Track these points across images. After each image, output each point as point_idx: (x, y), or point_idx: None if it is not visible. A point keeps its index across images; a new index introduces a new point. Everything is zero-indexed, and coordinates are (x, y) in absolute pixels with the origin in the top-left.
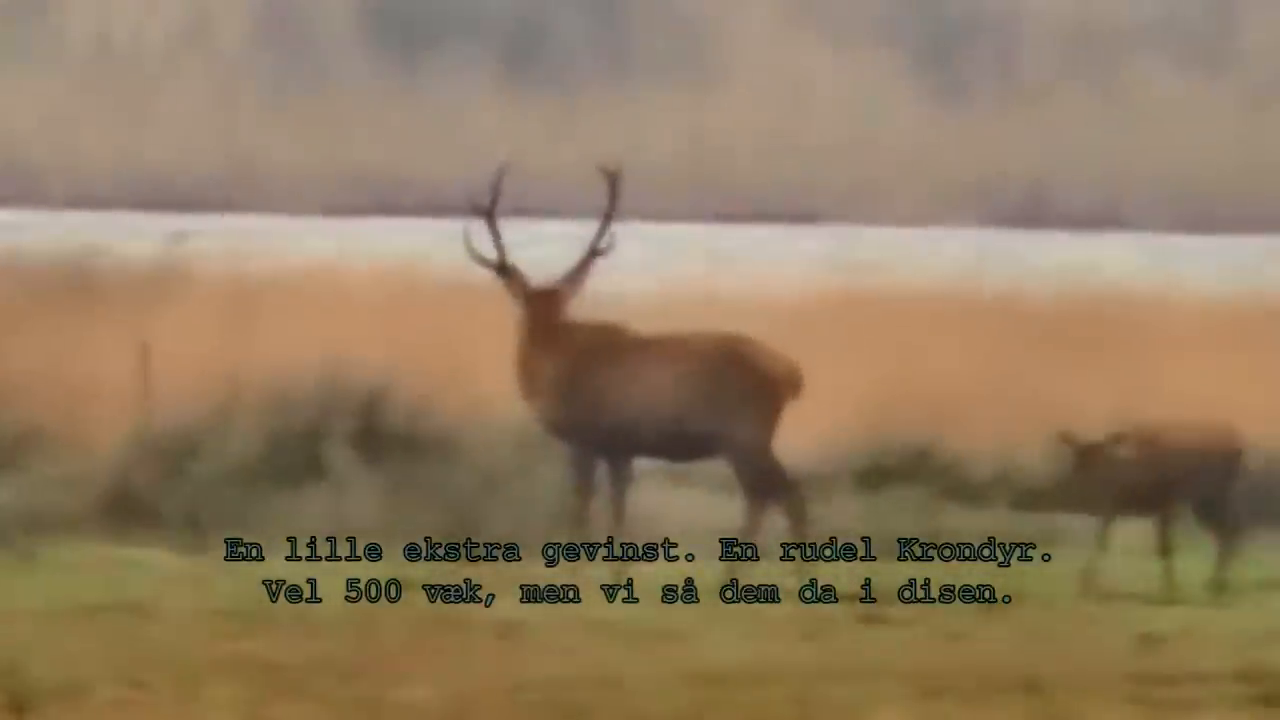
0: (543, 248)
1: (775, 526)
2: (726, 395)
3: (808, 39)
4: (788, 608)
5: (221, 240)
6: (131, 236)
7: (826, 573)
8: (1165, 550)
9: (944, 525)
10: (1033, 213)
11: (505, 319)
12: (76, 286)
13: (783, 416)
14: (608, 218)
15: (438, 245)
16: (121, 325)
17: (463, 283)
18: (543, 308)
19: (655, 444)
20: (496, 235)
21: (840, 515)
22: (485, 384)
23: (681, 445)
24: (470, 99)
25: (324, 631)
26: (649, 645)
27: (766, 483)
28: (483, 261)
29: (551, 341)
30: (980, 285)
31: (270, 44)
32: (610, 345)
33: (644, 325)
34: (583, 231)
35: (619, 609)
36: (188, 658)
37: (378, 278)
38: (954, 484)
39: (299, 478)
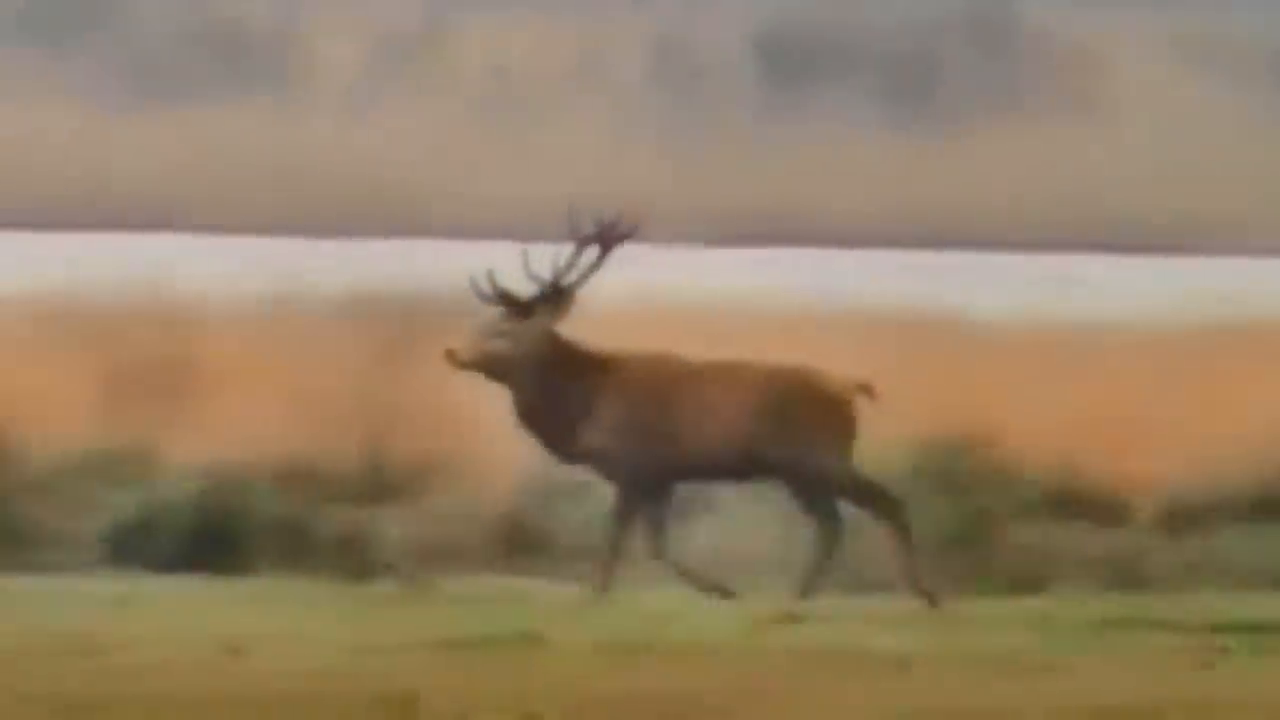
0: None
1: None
2: (796, 421)
3: (1198, 73)
4: (1174, 640)
5: (609, 272)
6: (519, 267)
7: (1218, 603)
8: None
9: None
10: None
11: (888, 347)
12: (467, 316)
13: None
14: (580, 249)
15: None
16: None
17: (850, 311)
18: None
19: (718, 473)
20: (600, 262)
21: (1230, 547)
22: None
23: (749, 471)
24: (860, 132)
25: (714, 664)
26: (1033, 678)
27: (865, 501)
28: (547, 284)
29: (587, 374)
30: None
31: (663, 79)
32: (669, 376)
33: (1001, 354)
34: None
35: (999, 641)
36: (579, 690)
37: (771, 308)
38: None
39: (689, 509)
